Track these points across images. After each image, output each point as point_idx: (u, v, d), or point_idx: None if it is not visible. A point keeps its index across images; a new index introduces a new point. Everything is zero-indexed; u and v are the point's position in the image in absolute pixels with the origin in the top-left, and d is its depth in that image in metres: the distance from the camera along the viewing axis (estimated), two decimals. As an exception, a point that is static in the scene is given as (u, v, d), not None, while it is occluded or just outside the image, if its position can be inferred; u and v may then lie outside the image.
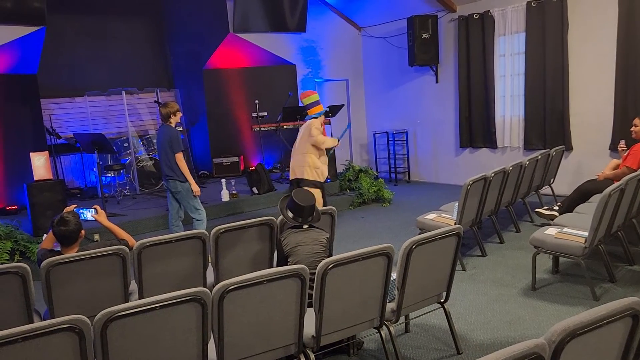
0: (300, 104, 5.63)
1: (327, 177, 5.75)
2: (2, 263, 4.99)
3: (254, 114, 8.51)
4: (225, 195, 7.03)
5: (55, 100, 8.47)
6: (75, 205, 3.54)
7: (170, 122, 5.27)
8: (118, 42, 9.05)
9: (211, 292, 2.38)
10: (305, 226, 3.34)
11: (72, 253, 3.18)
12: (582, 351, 1.74)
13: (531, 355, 1.55)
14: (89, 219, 3.67)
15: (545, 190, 6.74)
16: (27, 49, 6.98)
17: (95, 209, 3.70)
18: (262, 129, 8.49)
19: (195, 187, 5.35)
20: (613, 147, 6.60)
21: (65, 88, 8.56)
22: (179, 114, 5.34)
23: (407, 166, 9.59)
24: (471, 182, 4.62)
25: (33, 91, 7.32)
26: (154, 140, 8.54)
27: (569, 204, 5.40)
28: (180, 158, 5.25)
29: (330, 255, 3.32)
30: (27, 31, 6.56)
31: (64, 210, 3.30)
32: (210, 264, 3.71)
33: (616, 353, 1.88)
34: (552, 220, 5.00)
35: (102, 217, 3.66)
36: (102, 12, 8.82)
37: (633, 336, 1.85)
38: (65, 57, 8.51)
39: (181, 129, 8.71)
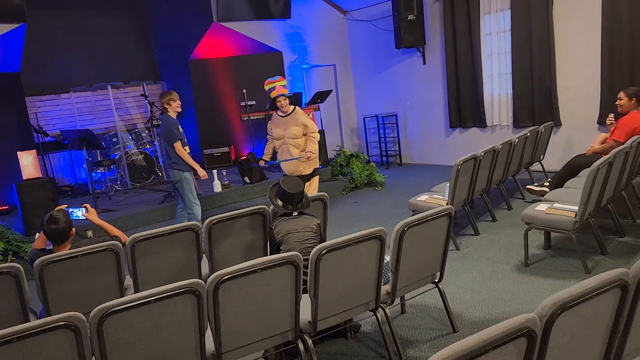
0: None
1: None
2: (-5, 264, 4.96)
3: (242, 103, 8.45)
4: (217, 186, 7.01)
5: (40, 98, 8.37)
6: (66, 205, 3.51)
7: (168, 112, 5.25)
8: (101, 36, 8.93)
9: (206, 283, 2.38)
10: (295, 213, 3.34)
11: (64, 251, 3.17)
12: (573, 323, 1.77)
13: (523, 329, 1.58)
14: (80, 217, 3.65)
15: (536, 166, 6.78)
16: (8, 47, 6.87)
17: (85, 207, 3.67)
18: (251, 117, 8.44)
19: (202, 172, 5.31)
20: (601, 121, 6.63)
21: (49, 85, 8.45)
22: (174, 103, 5.24)
23: (398, 149, 9.60)
24: (461, 162, 4.64)
25: (17, 90, 7.22)
26: (143, 134, 8.48)
27: (559, 179, 5.44)
28: (178, 148, 5.22)
29: (323, 241, 3.33)
30: (6, 29, 6.45)
31: (54, 210, 3.28)
32: (204, 255, 3.72)
33: (607, 323, 1.91)
34: (543, 196, 5.04)
35: (93, 215, 3.64)
36: (83, 7, 8.68)
37: (622, 306, 1.88)
38: (48, 53, 8.39)
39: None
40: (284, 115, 5.52)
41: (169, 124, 5.22)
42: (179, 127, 5.31)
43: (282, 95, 5.43)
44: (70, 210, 3.49)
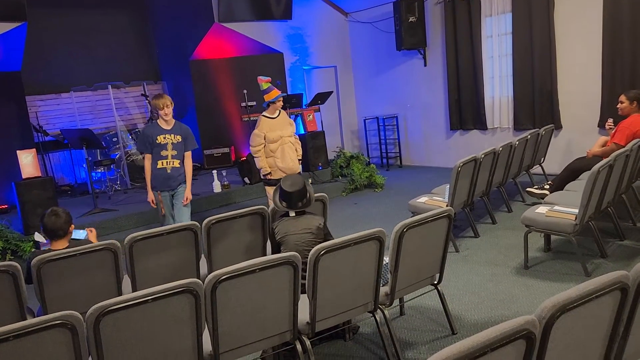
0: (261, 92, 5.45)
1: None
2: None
3: (243, 104, 8.44)
4: (216, 187, 7.00)
5: (40, 97, 8.37)
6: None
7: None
8: (102, 35, 8.93)
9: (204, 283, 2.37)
10: (292, 213, 3.27)
11: (61, 246, 3.17)
12: (572, 326, 1.76)
13: (522, 331, 1.57)
14: (80, 238, 3.60)
15: (536, 169, 6.77)
16: (9, 46, 6.87)
17: (89, 230, 3.64)
18: (251, 118, 8.41)
19: (150, 196, 4.78)
20: (601, 125, 6.62)
21: (50, 84, 8.45)
22: (164, 109, 4.61)
23: (398, 150, 9.59)
24: (461, 164, 4.63)
25: (17, 89, 7.21)
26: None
27: (559, 182, 5.43)
28: (145, 159, 4.77)
29: (327, 239, 3.26)
30: (8, 28, 6.45)
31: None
32: (203, 255, 3.70)
33: (606, 326, 1.90)
34: (543, 198, 5.02)
35: (94, 236, 3.62)
36: (84, 6, 8.68)
37: (622, 309, 1.87)
38: (49, 52, 8.39)
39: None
40: (276, 117, 5.36)
41: (141, 132, 4.71)
42: (166, 136, 4.70)
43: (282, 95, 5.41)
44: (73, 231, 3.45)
